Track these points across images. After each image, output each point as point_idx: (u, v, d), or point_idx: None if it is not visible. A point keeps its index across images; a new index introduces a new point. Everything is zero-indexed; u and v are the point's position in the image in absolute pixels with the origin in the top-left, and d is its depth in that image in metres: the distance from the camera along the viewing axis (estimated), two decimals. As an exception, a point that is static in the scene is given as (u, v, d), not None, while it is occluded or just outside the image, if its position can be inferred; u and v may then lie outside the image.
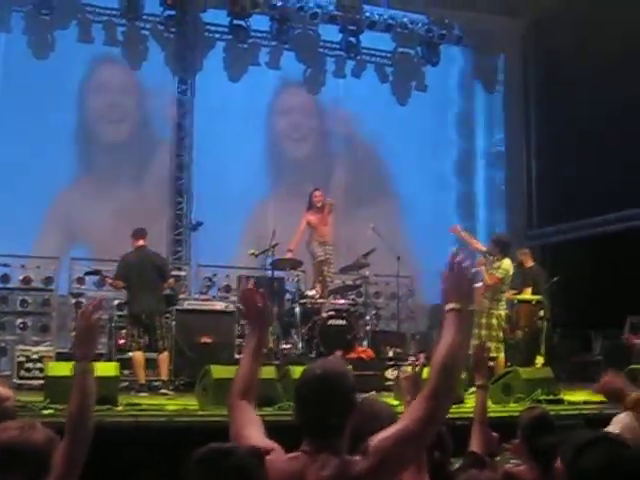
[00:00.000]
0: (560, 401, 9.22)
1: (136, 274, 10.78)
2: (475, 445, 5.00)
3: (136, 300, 10.77)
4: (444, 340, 3.08)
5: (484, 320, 11.32)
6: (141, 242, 11.08)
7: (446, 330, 3.09)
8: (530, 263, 13.77)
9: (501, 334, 11.40)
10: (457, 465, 5.16)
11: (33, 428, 3.25)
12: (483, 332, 11.25)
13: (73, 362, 3.46)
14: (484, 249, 11.94)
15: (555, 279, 13.82)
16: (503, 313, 11.62)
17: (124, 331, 11.66)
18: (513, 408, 8.64)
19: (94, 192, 15.61)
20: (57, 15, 15.39)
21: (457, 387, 3.27)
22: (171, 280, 11.63)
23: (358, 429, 3.68)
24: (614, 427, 4.39)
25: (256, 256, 12.15)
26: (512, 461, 5.46)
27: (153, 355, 10.91)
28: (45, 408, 7.41)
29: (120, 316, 12.34)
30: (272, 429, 7.24)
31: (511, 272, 11.72)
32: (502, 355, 11.27)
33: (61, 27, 15.60)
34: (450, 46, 18.03)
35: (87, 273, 13.20)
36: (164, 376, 10.66)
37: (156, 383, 10.77)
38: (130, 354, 10.81)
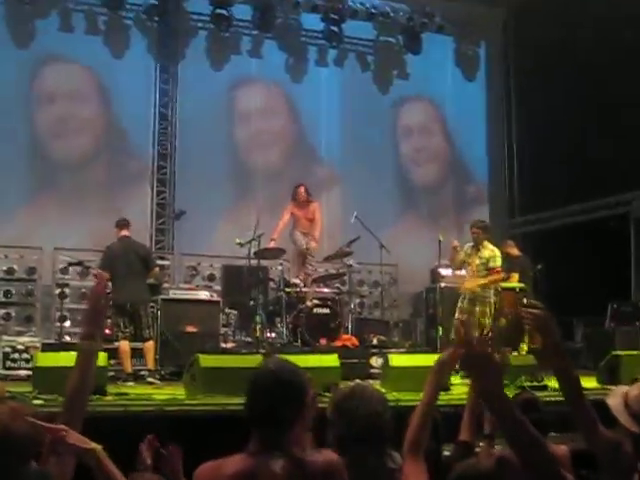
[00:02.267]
0: (544, 387, 9.32)
1: (121, 264, 10.78)
2: (465, 433, 5.08)
3: (121, 290, 10.76)
4: None
5: (478, 308, 11.31)
6: (125, 232, 11.09)
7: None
8: (517, 252, 13.97)
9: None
10: (447, 452, 5.24)
11: None
12: (478, 319, 11.25)
13: (79, 341, 3.49)
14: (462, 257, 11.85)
15: (539, 267, 13.96)
16: (492, 300, 11.66)
17: (109, 321, 11.67)
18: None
19: (77, 182, 15.58)
20: (38, 5, 15.31)
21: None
22: (156, 269, 11.65)
23: (352, 414, 3.80)
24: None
25: (242, 245, 12.20)
26: (497, 447, 5.54)
27: (139, 344, 10.93)
28: (35, 398, 7.43)
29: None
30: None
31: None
32: None
33: (42, 17, 15.51)
34: (431, 34, 18.04)
35: (71, 264, 13.23)
36: (150, 365, 10.70)
37: (142, 372, 10.78)
38: (116, 344, 10.81)
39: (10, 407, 3.37)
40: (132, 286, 10.75)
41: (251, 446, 3.23)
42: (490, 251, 11.54)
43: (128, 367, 10.47)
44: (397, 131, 18.39)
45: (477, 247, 11.58)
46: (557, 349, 3.58)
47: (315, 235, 13.46)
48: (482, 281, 11.40)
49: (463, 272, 12.21)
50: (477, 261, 11.53)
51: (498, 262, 11.54)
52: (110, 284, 10.95)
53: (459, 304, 11.55)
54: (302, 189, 13.50)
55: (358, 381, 9.70)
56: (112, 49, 16.01)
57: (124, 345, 10.56)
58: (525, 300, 12.68)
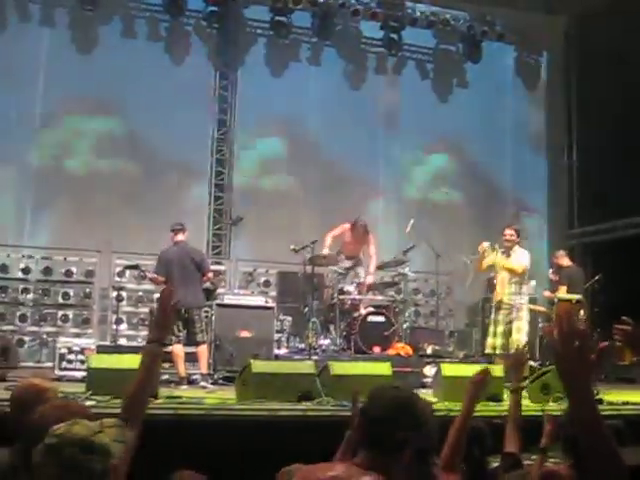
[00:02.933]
0: (599, 401, 9.12)
1: (176, 269, 10.83)
2: (509, 445, 5.03)
3: (175, 294, 10.76)
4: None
5: (514, 314, 10.96)
6: (180, 237, 11.14)
7: None
8: (567, 263, 13.70)
9: (527, 327, 11.02)
10: (495, 464, 5.18)
11: None
12: (514, 325, 10.84)
13: (145, 344, 3.49)
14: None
15: (597, 278, 13.74)
16: (527, 306, 11.26)
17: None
18: (552, 407, 8.60)
19: (136, 186, 15.72)
20: (100, 11, 15.50)
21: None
22: (210, 274, 11.66)
23: (394, 424, 3.77)
24: None
25: (296, 252, 12.21)
26: (551, 460, 5.46)
27: (193, 349, 10.97)
28: (87, 399, 7.49)
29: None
30: (311, 424, 7.29)
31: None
32: None
33: (104, 23, 15.73)
34: (492, 43, 17.91)
35: (127, 267, 13.36)
36: (203, 369, 10.74)
37: (195, 376, 10.85)
38: (170, 348, 10.86)
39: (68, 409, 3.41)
40: (187, 290, 10.75)
41: (357, 458, 3.15)
42: (520, 256, 11.09)
43: (182, 371, 10.52)
44: (455, 139, 18.23)
45: (508, 253, 11.15)
46: None
47: (371, 270, 13.41)
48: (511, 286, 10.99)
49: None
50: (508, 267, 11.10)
51: (525, 262, 11.06)
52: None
53: (492, 316, 11.19)
54: (362, 223, 13.42)
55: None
56: (172, 55, 16.17)
57: (178, 349, 10.61)
58: (582, 312, 12.50)
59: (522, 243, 11.43)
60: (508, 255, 11.10)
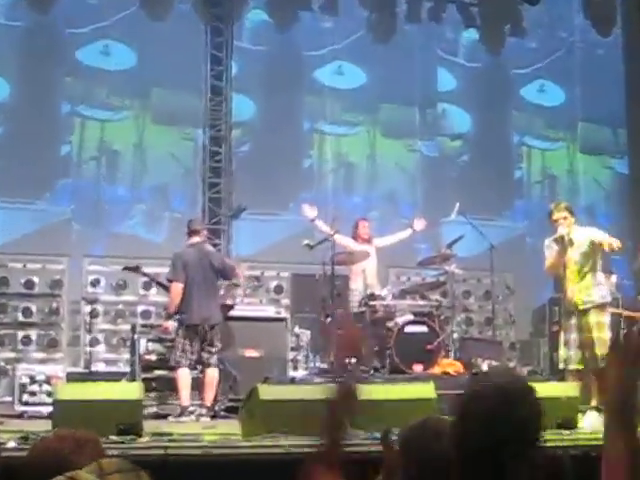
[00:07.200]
0: None
1: (196, 274, 10.90)
2: None
3: (196, 307, 10.80)
4: None
5: (591, 318, 10.14)
6: (197, 239, 11.23)
7: None
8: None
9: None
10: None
11: None
12: (595, 334, 10.38)
13: None
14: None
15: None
16: (603, 303, 10.62)
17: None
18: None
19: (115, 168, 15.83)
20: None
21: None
22: (239, 272, 11.90)
23: (423, 450, 3.76)
24: None
25: (311, 247, 12.11)
26: None
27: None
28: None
29: (144, 325, 12.40)
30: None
31: None
32: None
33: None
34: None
35: (126, 268, 13.23)
36: (209, 400, 10.69)
37: (191, 408, 10.78)
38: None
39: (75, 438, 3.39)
40: (209, 301, 10.94)
41: None
42: (585, 234, 10.22)
43: (186, 400, 10.56)
44: (509, 99, 18.17)
45: (569, 237, 10.15)
46: None
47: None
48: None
49: None
50: (576, 255, 10.22)
51: (603, 235, 10.15)
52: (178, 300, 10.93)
53: (562, 320, 10.66)
54: (366, 223, 13.50)
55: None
56: (152, 9, 16.08)
57: (186, 374, 10.67)
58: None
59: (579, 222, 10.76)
60: (570, 240, 10.46)
